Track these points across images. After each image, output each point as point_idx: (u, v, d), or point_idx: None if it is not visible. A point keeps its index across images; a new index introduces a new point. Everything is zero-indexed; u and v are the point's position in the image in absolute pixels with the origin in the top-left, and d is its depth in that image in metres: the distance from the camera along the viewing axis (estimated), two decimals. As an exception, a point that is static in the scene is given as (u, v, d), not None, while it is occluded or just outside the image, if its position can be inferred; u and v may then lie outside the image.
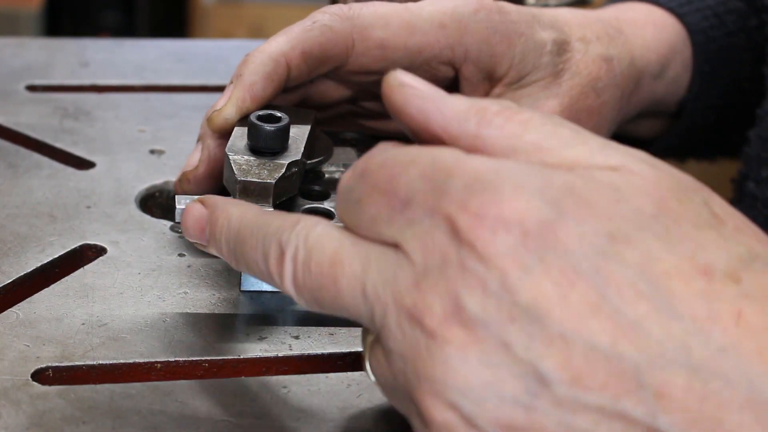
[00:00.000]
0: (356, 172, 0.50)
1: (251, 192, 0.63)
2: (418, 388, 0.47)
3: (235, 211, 0.55)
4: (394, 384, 0.49)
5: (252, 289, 0.66)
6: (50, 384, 0.57)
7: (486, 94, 0.73)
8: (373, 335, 0.50)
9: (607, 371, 0.45)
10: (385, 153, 0.50)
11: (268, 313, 0.64)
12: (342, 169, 0.70)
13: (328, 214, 0.66)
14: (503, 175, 0.47)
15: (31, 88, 0.89)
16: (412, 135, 0.52)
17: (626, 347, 0.45)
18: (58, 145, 0.80)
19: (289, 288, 0.51)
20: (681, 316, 0.45)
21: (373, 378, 0.51)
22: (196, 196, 0.64)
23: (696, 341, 0.45)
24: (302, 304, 0.51)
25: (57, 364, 0.58)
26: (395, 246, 0.48)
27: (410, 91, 0.52)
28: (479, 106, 0.50)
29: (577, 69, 0.74)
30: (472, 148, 0.50)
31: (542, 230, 0.46)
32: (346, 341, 0.62)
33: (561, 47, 0.74)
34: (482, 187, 0.47)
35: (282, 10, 0.74)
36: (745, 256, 0.47)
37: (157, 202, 0.75)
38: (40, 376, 0.57)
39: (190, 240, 0.58)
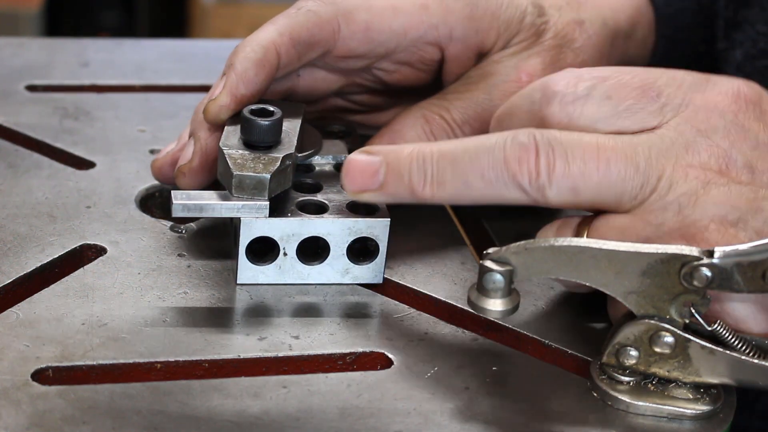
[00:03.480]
0: (585, 76, 0.62)
1: (246, 186, 0.63)
2: (697, 220, 0.59)
3: (418, 144, 0.62)
4: (648, 231, 0.60)
5: (248, 282, 0.66)
6: (50, 384, 0.57)
7: (473, 65, 0.75)
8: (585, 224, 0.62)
9: None
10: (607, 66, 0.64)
11: (266, 306, 0.64)
12: (332, 162, 0.71)
13: (321, 207, 0.66)
14: (723, 78, 0.63)
15: (31, 88, 0.89)
16: None
17: None
18: (58, 145, 0.80)
19: (543, 181, 0.59)
20: None
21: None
22: (192, 191, 0.64)
23: None
24: (550, 199, 0.60)
25: (57, 364, 0.58)
26: (651, 129, 0.61)
27: None
28: None
29: (555, 30, 0.76)
30: None
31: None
32: (346, 341, 0.62)
33: (539, 10, 0.76)
34: (719, 80, 0.63)
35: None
36: None
37: (157, 202, 0.75)
38: (40, 376, 0.57)
39: (355, 189, 0.63)
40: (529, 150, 0.59)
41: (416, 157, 0.61)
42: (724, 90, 0.62)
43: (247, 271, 0.66)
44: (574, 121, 0.62)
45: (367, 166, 0.62)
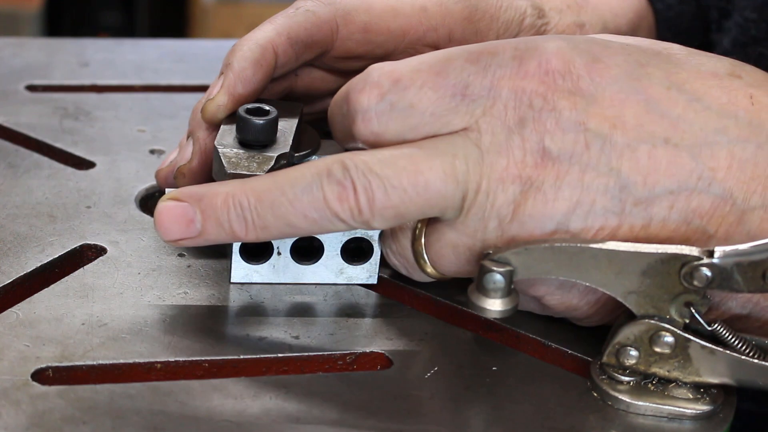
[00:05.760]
0: (384, 85, 0.59)
1: None
2: (516, 235, 0.58)
3: (230, 187, 0.60)
4: (477, 246, 0.59)
5: (242, 282, 0.66)
6: (50, 384, 0.57)
7: None
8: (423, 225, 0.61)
9: (668, 162, 0.58)
10: (407, 62, 0.60)
11: (266, 306, 0.64)
12: None
13: None
14: (538, 41, 0.59)
15: (31, 88, 0.89)
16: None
17: (678, 139, 0.58)
18: (58, 145, 0.80)
19: (366, 216, 0.58)
20: (709, 106, 0.59)
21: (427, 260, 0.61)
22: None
23: (729, 122, 0.58)
24: (375, 227, 0.58)
25: (57, 364, 0.58)
26: (462, 130, 0.58)
27: None
28: None
29: (556, 32, 0.76)
30: None
31: (589, 70, 0.59)
32: (346, 341, 0.62)
33: (540, 12, 0.76)
34: (527, 53, 0.59)
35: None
36: (733, 62, 0.61)
37: (157, 202, 0.75)
38: (40, 376, 0.57)
39: (172, 239, 0.61)
40: (346, 187, 0.57)
41: (232, 205, 0.59)
42: (532, 69, 0.58)
43: (241, 270, 0.66)
44: (380, 137, 0.59)
45: (181, 216, 0.60)
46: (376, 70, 0.60)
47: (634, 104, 0.58)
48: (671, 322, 0.58)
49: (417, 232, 0.61)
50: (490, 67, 0.59)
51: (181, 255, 0.68)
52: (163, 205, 0.61)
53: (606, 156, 0.58)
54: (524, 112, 0.58)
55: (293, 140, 0.67)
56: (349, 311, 0.65)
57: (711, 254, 0.57)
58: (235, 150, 0.64)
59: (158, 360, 0.59)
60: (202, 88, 0.91)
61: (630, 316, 0.59)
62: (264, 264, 0.66)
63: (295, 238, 0.65)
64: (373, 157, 0.58)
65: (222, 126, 0.67)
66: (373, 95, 0.59)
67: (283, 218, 0.59)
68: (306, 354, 0.61)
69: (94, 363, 0.58)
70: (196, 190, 0.61)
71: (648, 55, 0.60)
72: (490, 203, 0.58)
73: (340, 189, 0.58)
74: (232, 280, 0.66)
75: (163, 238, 0.61)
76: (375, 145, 0.59)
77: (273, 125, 0.65)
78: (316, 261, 0.66)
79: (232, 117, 0.67)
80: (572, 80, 0.58)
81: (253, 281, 0.66)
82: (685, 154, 0.58)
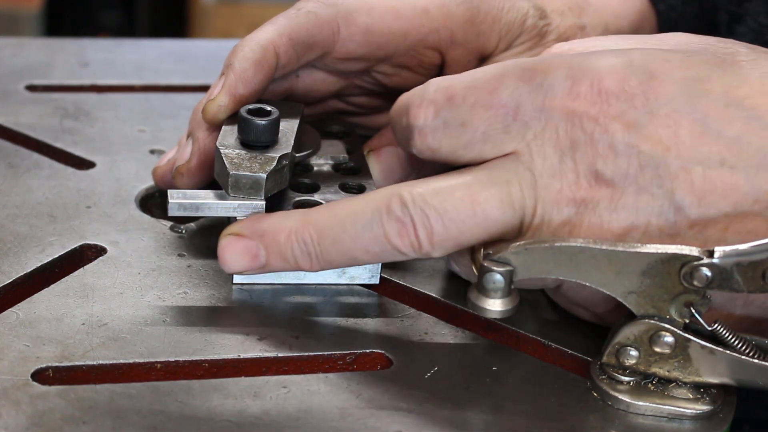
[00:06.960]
0: (438, 102, 0.60)
1: (243, 185, 0.63)
2: None
3: (291, 222, 0.61)
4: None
5: (245, 282, 0.66)
6: (50, 384, 0.57)
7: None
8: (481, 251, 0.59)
9: (723, 184, 0.57)
10: (462, 78, 0.60)
11: (266, 306, 0.64)
12: (330, 162, 0.71)
13: None
14: (592, 58, 0.59)
15: (31, 88, 0.89)
16: None
17: (734, 160, 0.57)
18: (58, 145, 0.80)
19: (426, 249, 0.59)
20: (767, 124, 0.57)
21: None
22: (189, 190, 0.64)
23: None
24: (436, 257, 0.59)
25: (57, 364, 0.58)
26: (511, 154, 0.59)
27: None
28: None
29: (558, 33, 0.76)
30: None
31: (645, 88, 0.57)
32: (346, 341, 0.62)
33: (542, 13, 0.76)
34: (580, 72, 0.58)
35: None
36: None
37: (157, 202, 0.75)
38: (40, 376, 0.57)
39: (236, 272, 0.63)
40: (405, 224, 0.59)
41: (296, 241, 0.61)
42: (584, 89, 0.58)
43: None
44: (436, 152, 0.60)
45: (244, 251, 0.62)
46: (433, 84, 0.61)
47: (689, 124, 0.57)
48: (671, 322, 0.58)
49: (475, 253, 0.61)
50: (542, 87, 0.59)
51: (181, 255, 0.68)
52: (226, 241, 0.62)
53: (660, 178, 0.57)
54: (576, 134, 0.58)
55: (294, 141, 0.67)
56: (350, 311, 0.65)
57: (711, 254, 0.57)
58: (236, 151, 0.65)
59: (158, 360, 0.59)
60: (202, 88, 0.91)
61: (630, 316, 0.59)
62: None
63: None
64: (429, 187, 0.59)
65: (223, 127, 0.67)
66: (429, 112, 0.60)
67: (347, 253, 0.60)
68: (306, 354, 0.61)
69: (94, 363, 0.58)
70: (258, 226, 0.62)
71: (710, 67, 0.59)
72: (546, 226, 0.59)
73: (400, 226, 0.59)
74: (234, 281, 0.66)
75: (226, 271, 0.63)
76: (432, 159, 0.61)
77: (275, 126, 0.65)
78: None
79: (233, 118, 0.67)
80: (626, 99, 0.58)
81: (256, 282, 0.66)
82: (741, 176, 0.57)
